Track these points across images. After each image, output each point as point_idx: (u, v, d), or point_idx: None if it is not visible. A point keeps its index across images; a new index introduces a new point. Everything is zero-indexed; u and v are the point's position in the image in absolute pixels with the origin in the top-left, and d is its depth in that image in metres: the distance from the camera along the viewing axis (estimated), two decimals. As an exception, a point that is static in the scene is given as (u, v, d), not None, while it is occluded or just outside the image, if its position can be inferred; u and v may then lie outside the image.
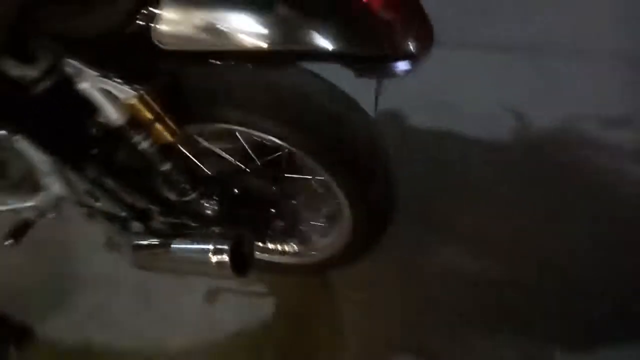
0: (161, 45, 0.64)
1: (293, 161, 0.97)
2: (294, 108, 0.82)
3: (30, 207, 1.01)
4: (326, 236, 1.09)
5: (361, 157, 0.91)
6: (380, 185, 0.96)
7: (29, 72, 0.86)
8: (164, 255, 0.91)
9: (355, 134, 0.89)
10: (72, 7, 0.66)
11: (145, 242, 0.92)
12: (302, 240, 1.13)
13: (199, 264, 0.87)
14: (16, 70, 0.87)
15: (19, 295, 1.29)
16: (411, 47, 0.70)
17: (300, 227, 1.10)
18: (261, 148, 0.96)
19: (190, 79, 0.81)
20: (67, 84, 0.77)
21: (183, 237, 0.90)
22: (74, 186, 0.97)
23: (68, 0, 0.66)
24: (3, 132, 0.92)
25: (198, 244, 0.87)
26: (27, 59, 0.83)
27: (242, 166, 0.96)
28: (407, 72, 0.74)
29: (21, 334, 1.21)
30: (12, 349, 1.19)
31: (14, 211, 1.02)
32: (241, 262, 0.90)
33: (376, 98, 0.88)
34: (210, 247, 0.86)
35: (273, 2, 0.64)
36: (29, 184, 1.01)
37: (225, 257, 0.85)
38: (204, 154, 0.95)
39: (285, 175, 0.99)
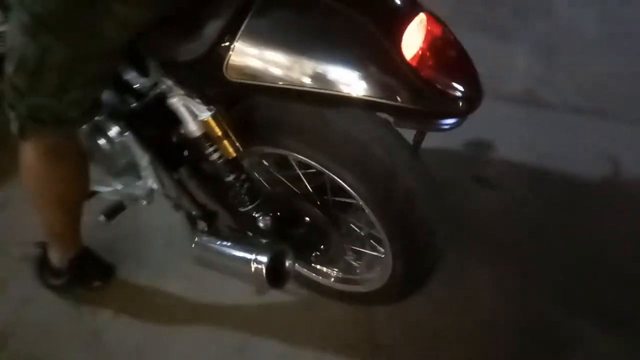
0: (227, 77, 0.76)
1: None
2: (342, 145, 0.89)
3: (127, 192, 1.20)
4: (369, 271, 1.12)
5: (408, 208, 0.93)
6: (424, 235, 0.97)
7: (144, 84, 1.05)
8: (214, 256, 1.02)
9: (405, 184, 0.92)
10: (169, 37, 0.81)
11: (203, 241, 1.05)
12: (346, 269, 1.17)
13: (241, 270, 0.97)
14: (135, 80, 1.06)
15: (106, 242, 1.45)
16: (457, 106, 0.73)
17: (346, 257, 1.14)
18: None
19: (259, 107, 0.92)
20: (162, 97, 0.93)
21: (234, 242, 1.01)
22: (163, 181, 1.14)
23: (166, 31, 0.81)
24: (117, 127, 1.12)
25: (243, 252, 0.97)
26: (143, 73, 1.02)
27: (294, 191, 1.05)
28: (451, 127, 0.77)
29: (106, 270, 1.39)
30: (96, 282, 1.37)
31: (114, 194, 1.22)
32: (278, 276, 0.98)
33: (416, 146, 0.91)
34: (252, 257, 0.95)
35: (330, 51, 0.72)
36: (130, 173, 1.20)
37: (262, 269, 0.94)
38: (268, 174, 1.05)
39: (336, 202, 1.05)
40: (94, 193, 1.25)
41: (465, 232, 1.39)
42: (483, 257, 1.35)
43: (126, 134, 1.10)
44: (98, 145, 1.15)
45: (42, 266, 1.36)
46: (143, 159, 1.12)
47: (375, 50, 0.70)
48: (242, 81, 0.76)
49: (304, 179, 1.06)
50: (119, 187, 1.24)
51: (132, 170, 1.19)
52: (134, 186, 1.19)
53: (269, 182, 1.11)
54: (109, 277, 1.40)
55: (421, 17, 0.73)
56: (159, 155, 1.09)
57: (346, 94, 0.71)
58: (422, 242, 0.97)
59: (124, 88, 1.07)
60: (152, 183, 1.16)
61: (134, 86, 1.07)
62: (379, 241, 1.03)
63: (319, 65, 0.71)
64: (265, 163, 1.11)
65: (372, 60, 0.70)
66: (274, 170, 1.11)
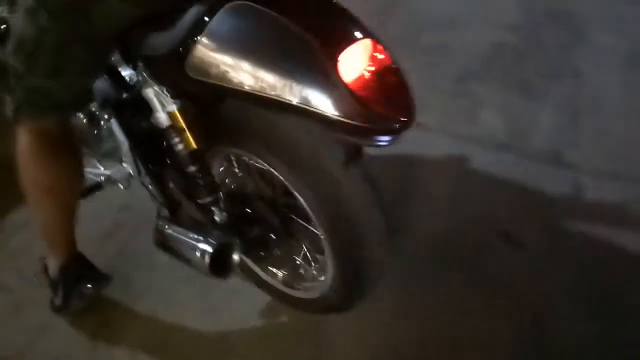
0: (188, 73, 0.84)
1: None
2: (296, 155, 0.95)
3: (107, 174, 1.29)
4: (312, 280, 1.17)
5: (351, 219, 0.98)
6: (366, 250, 1.02)
7: (132, 76, 1.15)
8: (170, 241, 1.10)
9: (348, 195, 0.98)
10: (147, 32, 0.90)
11: (163, 226, 1.12)
12: (292, 274, 1.23)
13: (188, 256, 1.04)
14: (125, 72, 1.17)
15: (125, 276, 1.44)
16: (385, 125, 0.80)
17: (294, 262, 1.20)
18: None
19: (227, 109, 1.00)
20: (139, 88, 1.02)
21: (188, 230, 1.08)
22: (139, 168, 1.22)
23: (146, 27, 0.91)
24: (105, 114, 1.22)
25: (193, 239, 1.04)
26: (133, 67, 1.12)
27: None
28: (384, 144, 0.84)
29: (99, 276, 1.35)
30: (88, 286, 1.32)
31: (96, 175, 1.32)
32: (222, 266, 1.04)
33: (347, 160, 0.96)
34: (199, 245, 1.02)
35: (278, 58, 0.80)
36: (112, 158, 1.29)
37: (206, 257, 1.00)
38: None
39: (291, 215, 1.12)
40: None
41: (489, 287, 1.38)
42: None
43: (112, 121, 1.20)
44: (87, 128, 1.26)
45: (52, 290, 1.34)
46: (124, 145, 1.21)
47: (312, 65, 0.77)
48: (198, 78, 0.84)
49: (263, 184, 1.13)
50: (102, 169, 1.34)
51: (114, 155, 1.29)
52: (112, 170, 1.29)
53: (232, 180, 1.19)
54: (101, 284, 1.36)
55: (366, 43, 0.81)
56: (137, 144, 1.18)
57: (284, 100, 0.78)
58: (359, 255, 1.02)
59: (116, 79, 1.18)
60: (129, 169, 1.26)
61: (124, 78, 1.17)
62: (322, 251, 1.09)
63: (262, 71, 0.79)
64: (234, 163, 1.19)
65: (308, 73, 0.77)
66: (239, 171, 1.18)
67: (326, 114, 0.77)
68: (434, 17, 2.50)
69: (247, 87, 0.80)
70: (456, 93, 2.05)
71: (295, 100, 0.78)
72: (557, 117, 1.92)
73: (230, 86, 0.81)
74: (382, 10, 2.50)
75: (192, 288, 1.38)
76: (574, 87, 2.06)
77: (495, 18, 2.47)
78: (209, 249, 1.01)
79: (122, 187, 1.33)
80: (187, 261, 1.06)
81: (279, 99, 0.79)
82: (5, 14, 1.37)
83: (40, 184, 1.13)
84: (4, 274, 1.49)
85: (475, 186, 1.66)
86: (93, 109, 1.23)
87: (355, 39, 0.80)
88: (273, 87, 0.79)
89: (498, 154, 1.76)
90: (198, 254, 1.02)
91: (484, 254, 1.45)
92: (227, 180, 1.21)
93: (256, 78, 0.79)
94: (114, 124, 1.20)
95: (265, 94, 0.79)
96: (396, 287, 1.34)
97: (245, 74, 0.80)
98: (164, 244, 1.13)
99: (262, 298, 1.33)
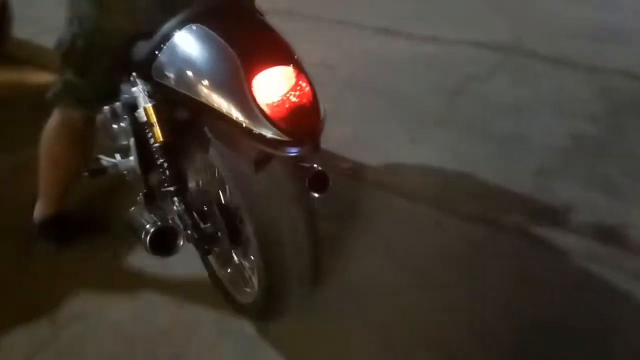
0: (153, 76, 1.05)
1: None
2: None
3: (114, 163, 1.53)
4: (246, 286, 1.27)
5: (276, 240, 1.10)
6: (292, 267, 1.12)
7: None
8: (131, 221, 1.27)
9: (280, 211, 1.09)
10: (138, 41, 1.13)
11: (135, 208, 1.31)
12: (234, 274, 1.33)
13: (137, 236, 1.20)
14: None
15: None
16: (291, 140, 0.92)
17: (236, 266, 1.31)
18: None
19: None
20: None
21: (148, 213, 1.25)
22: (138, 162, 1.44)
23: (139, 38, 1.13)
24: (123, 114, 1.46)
25: (145, 221, 1.20)
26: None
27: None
28: (293, 154, 0.96)
29: (69, 239, 1.66)
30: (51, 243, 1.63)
31: (109, 163, 1.56)
32: (164, 247, 1.18)
33: (256, 167, 1.06)
34: (146, 225, 1.18)
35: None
36: (125, 150, 1.53)
37: (147, 236, 1.16)
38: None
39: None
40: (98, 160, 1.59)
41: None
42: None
43: (127, 120, 1.44)
44: (110, 124, 1.51)
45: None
46: (132, 141, 1.44)
47: (234, 81, 0.93)
48: (159, 81, 1.04)
49: (224, 189, 1.28)
50: (118, 158, 1.58)
51: (126, 148, 1.52)
52: (120, 160, 1.52)
53: (204, 180, 1.35)
54: (67, 244, 1.65)
55: (288, 69, 0.95)
56: (137, 139, 1.40)
57: (211, 106, 0.95)
58: (279, 277, 1.13)
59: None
60: (133, 161, 1.48)
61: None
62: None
63: (198, 80, 0.97)
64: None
65: (229, 87, 0.94)
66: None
67: (239, 121, 0.91)
68: (504, 103, 2.38)
69: (187, 92, 0.98)
70: (536, 189, 1.90)
71: (218, 107, 0.94)
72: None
73: (178, 89, 1.00)
74: (450, 93, 2.45)
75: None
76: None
77: (571, 107, 2.36)
78: (151, 230, 1.16)
79: (125, 174, 1.55)
80: (136, 238, 1.22)
81: (208, 104, 0.95)
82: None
83: (51, 155, 1.49)
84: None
85: (574, 304, 1.50)
86: (117, 109, 1.49)
87: (277, 64, 0.94)
88: (204, 94, 0.96)
89: (593, 263, 1.60)
90: (143, 232, 1.17)
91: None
92: (201, 179, 1.38)
93: (193, 85, 0.97)
94: (127, 123, 1.43)
95: (198, 98, 0.96)
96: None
97: (187, 81, 0.98)
98: (130, 224, 1.30)
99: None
